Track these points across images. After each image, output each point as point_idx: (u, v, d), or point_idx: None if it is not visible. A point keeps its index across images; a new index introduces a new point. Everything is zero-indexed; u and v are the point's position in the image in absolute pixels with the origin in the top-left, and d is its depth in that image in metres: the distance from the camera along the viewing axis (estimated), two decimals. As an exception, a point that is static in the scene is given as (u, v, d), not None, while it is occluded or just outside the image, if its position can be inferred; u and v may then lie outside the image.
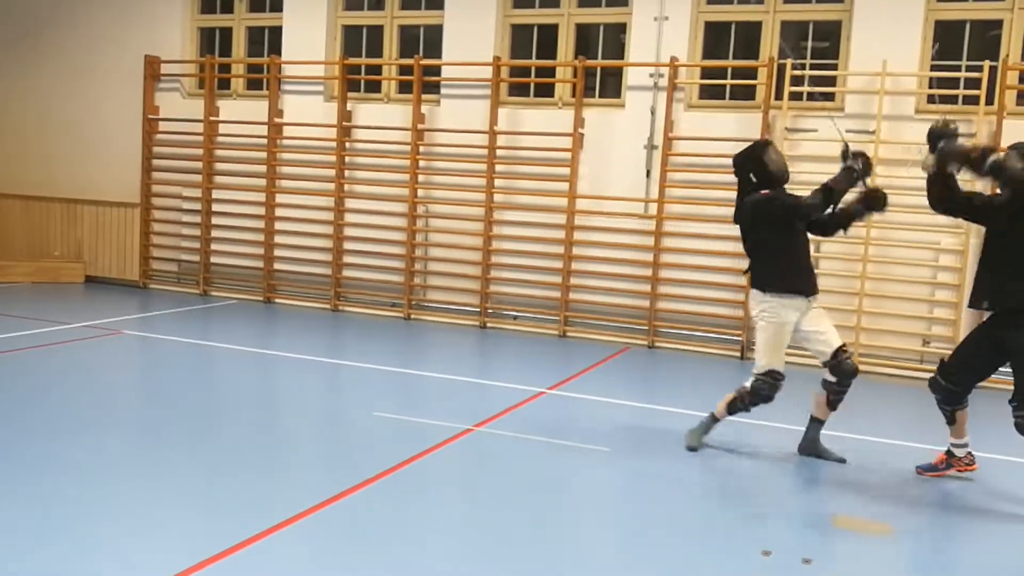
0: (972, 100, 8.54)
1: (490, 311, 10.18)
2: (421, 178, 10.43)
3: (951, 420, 5.46)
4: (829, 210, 5.57)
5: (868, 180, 5.67)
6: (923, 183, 8.46)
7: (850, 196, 5.74)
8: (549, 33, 10.11)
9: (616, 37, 10.00)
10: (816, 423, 5.87)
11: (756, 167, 5.64)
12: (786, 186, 5.80)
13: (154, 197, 11.81)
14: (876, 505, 5.06)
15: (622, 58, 9.83)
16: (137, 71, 11.62)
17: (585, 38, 10.08)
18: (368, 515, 4.41)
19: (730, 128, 9.22)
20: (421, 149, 10.38)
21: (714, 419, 5.85)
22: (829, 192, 5.40)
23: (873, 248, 8.77)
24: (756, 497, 5.19)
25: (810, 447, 5.88)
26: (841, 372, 5.60)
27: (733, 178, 8.95)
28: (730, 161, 8.99)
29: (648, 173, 9.54)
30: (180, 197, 11.61)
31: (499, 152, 10.06)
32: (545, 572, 3.89)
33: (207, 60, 11.30)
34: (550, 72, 10.17)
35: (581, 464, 5.51)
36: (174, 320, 9.85)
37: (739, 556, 4.15)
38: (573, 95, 9.77)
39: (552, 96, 10.14)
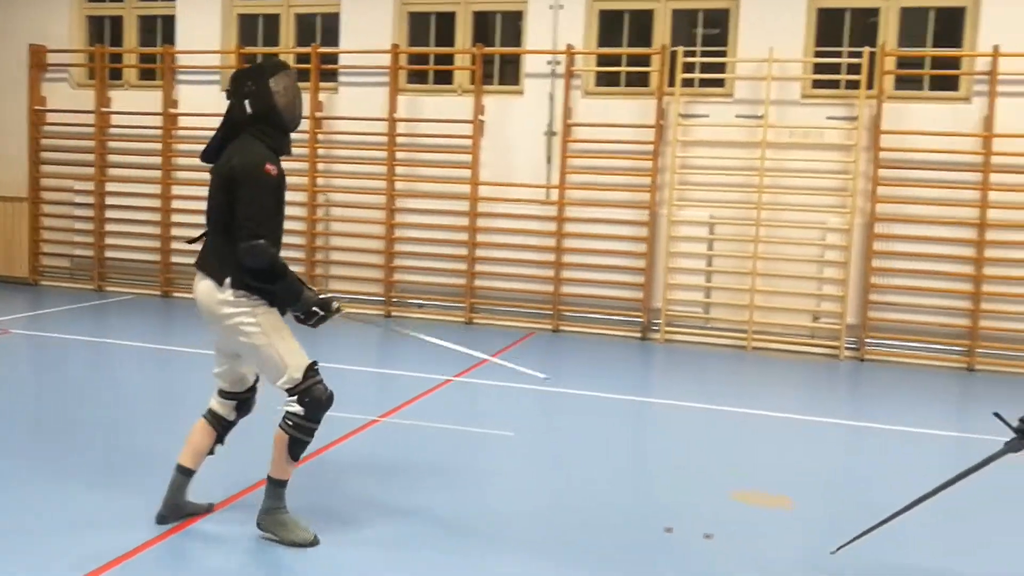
0: (854, 85, 8.90)
1: (395, 300, 10.16)
2: (320, 167, 10.32)
3: None
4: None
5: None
6: (808, 163, 8.93)
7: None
8: (447, 21, 10.11)
9: (514, 24, 10.08)
10: (189, 473, 4.12)
11: (257, 93, 3.87)
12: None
13: (44, 191, 11.39)
14: (774, 478, 5.21)
15: (520, 45, 9.91)
16: (22, 61, 11.17)
17: (483, 25, 10.13)
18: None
19: (626, 114, 9.41)
20: (320, 138, 10.28)
21: (280, 484, 4.01)
22: (274, 271, 3.80)
23: (764, 229, 9.07)
24: (657, 476, 5.33)
25: (176, 507, 4.12)
26: (245, 410, 4.22)
27: (632, 163, 9.41)
28: (629, 148, 9.31)
29: (548, 159, 9.66)
30: (71, 191, 11.22)
31: (399, 139, 10.04)
32: (459, 558, 3.92)
33: (97, 49, 10.94)
34: (448, 59, 10.19)
35: (487, 450, 5.57)
36: (67, 317, 9.53)
37: (643, 533, 4.24)
38: (472, 82, 9.80)
39: (451, 83, 10.16)
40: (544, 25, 9.63)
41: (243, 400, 4.17)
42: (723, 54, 9.36)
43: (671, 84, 9.21)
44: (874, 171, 8.80)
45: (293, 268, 10.97)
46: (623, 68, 9.72)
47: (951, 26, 8.95)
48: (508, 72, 10.11)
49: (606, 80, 9.83)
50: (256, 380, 4.20)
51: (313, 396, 3.89)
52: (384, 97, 9.98)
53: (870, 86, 8.77)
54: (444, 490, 4.74)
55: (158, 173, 10.80)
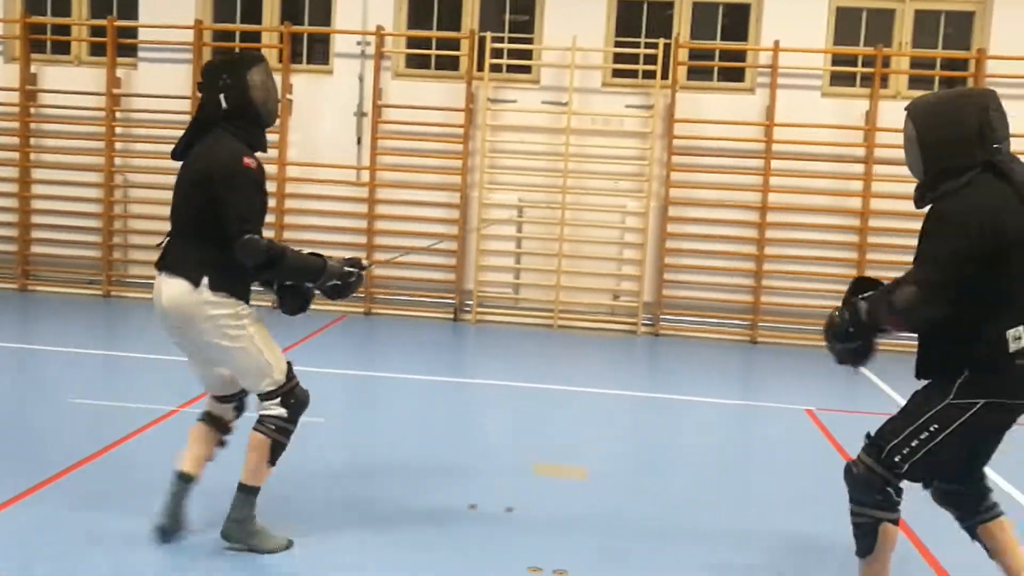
0: (650, 75, 9.37)
1: (201, 284, 9.85)
2: (119, 146, 9.84)
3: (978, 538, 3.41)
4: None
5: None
6: (609, 149, 9.34)
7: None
8: (253, -3, 9.86)
9: (323, 3, 9.93)
10: (192, 480, 3.89)
11: (234, 87, 3.71)
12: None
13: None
14: (573, 451, 5.46)
15: (329, 25, 9.79)
16: None
17: (291, 3, 9.91)
18: (60, 511, 4.17)
19: (436, 97, 9.51)
20: (117, 115, 9.79)
21: (253, 491, 3.81)
22: (273, 261, 3.67)
23: (569, 212, 9.42)
24: (465, 454, 5.42)
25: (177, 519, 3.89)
26: (243, 407, 4.06)
27: (443, 146, 9.53)
28: (439, 131, 9.41)
29: (359, 140, 9.63)
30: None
31: (204, 119, 9.71)
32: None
33: (21, 20, 9.82)
34: (256, 37, 9.93)
35: (297, 437, 5.49)
36: None
37: (447, 512, 4.35)
38: (280, 61, 9.61)
39: (259, 62, 9.90)
40: (354, 5, 9.56)
41: (241, 399, 4.00)
42: (530, 41, 9.62)
43: (480, 69, 9.38)
44: (668, 158, 9.33)
45: (87, 252, 10.39)
46: (433, 51, 9.80)
47: (738, 21, 9.58)
48: (317, 51, 9.97)
49: (416, 62, 9.89)
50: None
51: (297, 397, 3.79)
52: (188, 75, 9.61)
53: (665, 76, 9.27)
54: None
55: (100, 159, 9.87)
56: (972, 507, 3.29)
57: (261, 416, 3.76)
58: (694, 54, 9.66)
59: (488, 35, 9.33)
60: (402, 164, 9.62)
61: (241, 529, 3.78)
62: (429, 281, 9.69)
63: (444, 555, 3.89)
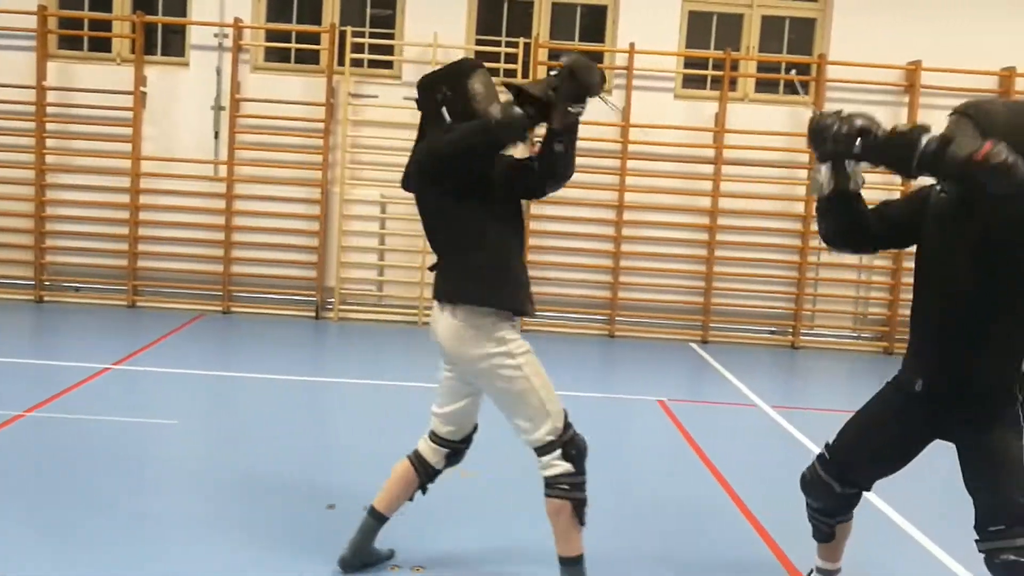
0: (511, 74, 9.50)
1: (47, 284, 9.46)
2: (-36, 137, 9.34)
3: (829, 537, 3.48)
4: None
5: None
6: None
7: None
8: (104, -16, 9.49)
9: (177, -7, 9.67)
10: (380, 520, 3.80)
11: (455, 99, 3.45)
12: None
13: None
14: None
15: (184, 16, 9.52)
16: None
17: (144, -8, 9.61)
18: None
19: (296, 91, 9.39)
20: (-44, 105, 9.29)
21: (572, 561, 3.46)
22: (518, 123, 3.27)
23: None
24: (324, 454, 5.42)
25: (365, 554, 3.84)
26: (455, 460, 3.75)
27: (303, 141, 9.42)
28: (297, 124, 9.29)
29: (216, 134, 9.41)
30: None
31: (50, 110, 9.30)
32: (122, 548, 3.86)
33: None
34: (106, 26, 9.56)
35: (148, 440, 5.42)
36: None
37: (307, 512, 4.36)
38: (133, 51, 9.29)
39: (110, 52, 9.55)
40: (211, -5, 9.34)
41: (456, 450, 3.68)
42: (392, 36, 9.60)
43: (340, 63, 9.31)
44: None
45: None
46: (292, 45, 9.67)
47: (596, 22, 9.82)
48: (173, 43, 9.67)
49: (276, 56, 9.73)
50: (474, 429, 3.69)
51: (578, 446, 3.38)
52: (31, 63, 9.17)
53: (526, 75, 9.42)
54: (102, 483, 4.61)
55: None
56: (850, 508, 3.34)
57: (547, 479, 3.36)
58: (553, 54, 9.84)
59: (349, 29, 9.27)
60: (261, 159, 9.47)
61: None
62: (290, 278, 9.58)
63: (302, 555, 3.91)
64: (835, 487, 3.25)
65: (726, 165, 9.55)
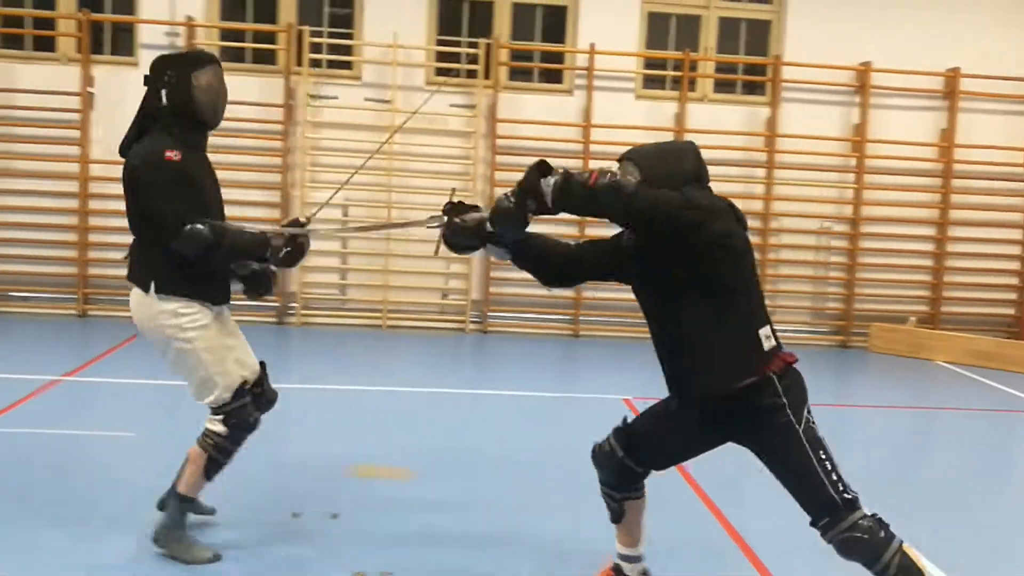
0: (473, 75, 9.43)
1: (-7, 293, 9.05)
2: None
3: (619, 516, 3.55)
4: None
5: None
6: (434, 148, 9.33)
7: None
8: (45, -19, 9.11)
9: (127, -10, 9.33)
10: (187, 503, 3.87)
11: (177, 85, 3.70)
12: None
13: None
14: (399, 451, 5.39)
15: (133, 13, 9.20)
16: None
17: (92, -10, 9.25)
18: None
19: (253, 92, 9.14)
20: None
21: (187, 501, 3.85)
22: (212, 252, 3.63)
23: (395, 211, 9.33)
24: (285, 461, 5.22)
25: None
26: (266, 403, 4.00)
27: (261, 143, 9.17)
28: (257, 127, 9.05)
29: (170, 137, 9.10)
30: None
31: (-10, 112, 8.90)
32: (81, 559, 3.73)
33: None
34: (50, 24, 9.18)
35: (103, 453, 5.20)
36: None
37: (271, 521, 4.23)
38: (79, 51, 8.93)
39: (54, 51, 9.17)
40: (161, -8, 9.03)
41: (255, 396, 3.89)
42: (350, 36, 9.44)
43: (299, 64, 9.11)
44: (492, 157, 9.44)
45: None
46: (248, 44, 9.43)
47: (556, 23, 9.81)
48: (121, 41, 9.34)
49: (231, 56, 9.45)
50: (263, 371, 3.95)
51: (240, 419, 3.73)
52: (-33, 63, 8.77)
53: (487, 76, 9.36)
54: (57, 496, 4.42)
55: None
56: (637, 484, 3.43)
57: (205, 429, 3.75)
58: (515, 55, 9.81)
59: (307, 29, 9.08)
60: (218, 162, 9.06)
61: (168, 535, 3.76)
62: (250, 283, 9.32)
63: (269, 565, 3.81)
64: (618, 452, 3.37)
65: (686, 165, 9.62)
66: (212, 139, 9.92)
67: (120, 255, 9.60)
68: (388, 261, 9.35)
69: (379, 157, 9.24)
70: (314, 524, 4.22)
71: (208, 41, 9.24)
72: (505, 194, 3.09)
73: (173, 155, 3.62)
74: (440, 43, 9.52)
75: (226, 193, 9.36)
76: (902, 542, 3.07)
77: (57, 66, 9.07)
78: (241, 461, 5.00)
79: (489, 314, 9.51)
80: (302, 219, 3.91)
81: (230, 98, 9.83)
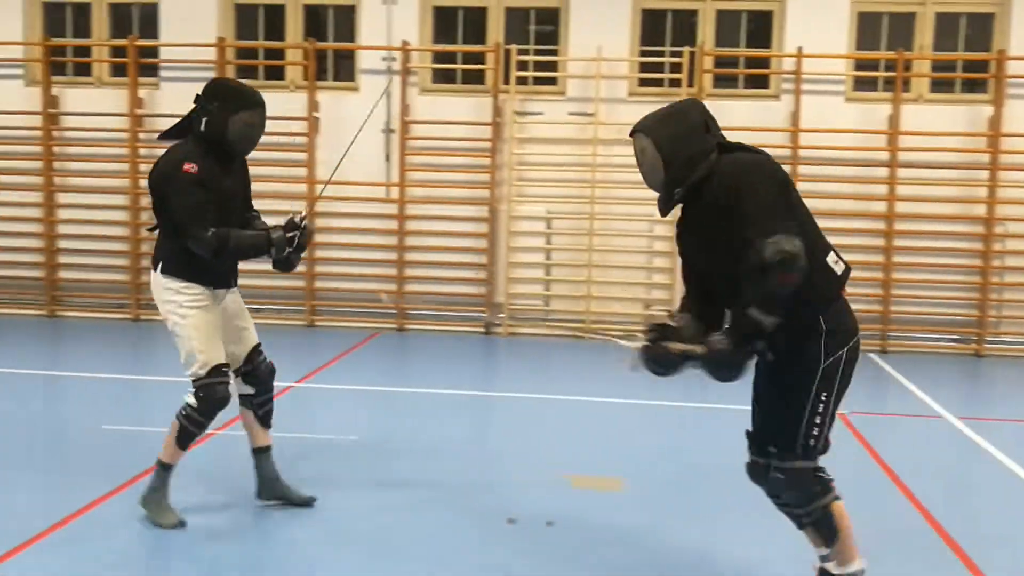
0: (676, 83, 9.40)
1: (233, 305, 9.82)
2: (143, 168, 9.77)
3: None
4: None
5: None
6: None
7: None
8: (276, 14, 9.82)
9: (347, 19, 9.92)
10: (263, 453, 4.51)
11: (216, 119, 4.12)
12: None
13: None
14: (609, 462, 5.44)
15: (353, 41, 9.79)
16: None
17: (315, 19, 9.89)
18: (108, 534, 4.21)
19: (463, 112, 9.52)
20: (141, 136, 9.73)
21: (165, 467, 4.28)
22: (221, 254, 4.09)
23: (598, 222, 9.44)
24: (500, 468, 5.40)
25: (272, 488, 4.52)
26: (256, 380, 4.42)
27: (471, 160, 9.51)
28: (467, 145, 9.40)
29: (387, 157, 9.62)
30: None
31: (230, 138, 9.67)
32: (308, 561, 3.99)
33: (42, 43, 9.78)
34: (279, 54, 9.91)
35: (330, 456, 5.51)
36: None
37: (486, 527, 4.36)
38: (305, 78, 9.60)
39: (283, 79, 9.90)
40: (378, 20, 9.54)
41: (245, 373, 4.40)
42: (555, 52, 9.64)
43: (506, 82, 9.39)
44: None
45: (116, 276, 10.26)
46: (459, 66, 9.81)
47: (761, 28, 9.63)
48: (343, 68, 9.95)
49: (442, 77, 9.89)
50: (253, 352, 4.42)
51: (208, 395, 4.14)
52: (211, 93, 9.57)
53: (691, 84, 9.31)
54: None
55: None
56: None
57: (183, 402, 4.21)
58: (719, 61, 9.70)
59: (513, 47, 9.34)
60: (430, 180, 9.62)
61: (150, 500, 4.25)
62: (460, 295, 9.71)
63: (481, 570, 3.92)
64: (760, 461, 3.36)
65: (901, 168, 9.20)
66: (427, 158, 10.40)
67: (336, 270, 10.19)
68: (591, 272, 9.47)
69: (582, 169, 9.45)
70: (529, 531, 4.31)
71: (421, 64, 9.69)
72: (723, 337, 3.06)
73: (190, 167, 4.04)
74: (643, 53, 9.55)
75: (438, 209, 9.91)
76: (836, 501, 3.26)
77: (286, 93, 9.78)
78: (453, 465, 5.32)
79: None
80: (296, 218, 4.38)
81: (442, 118, 10.33)
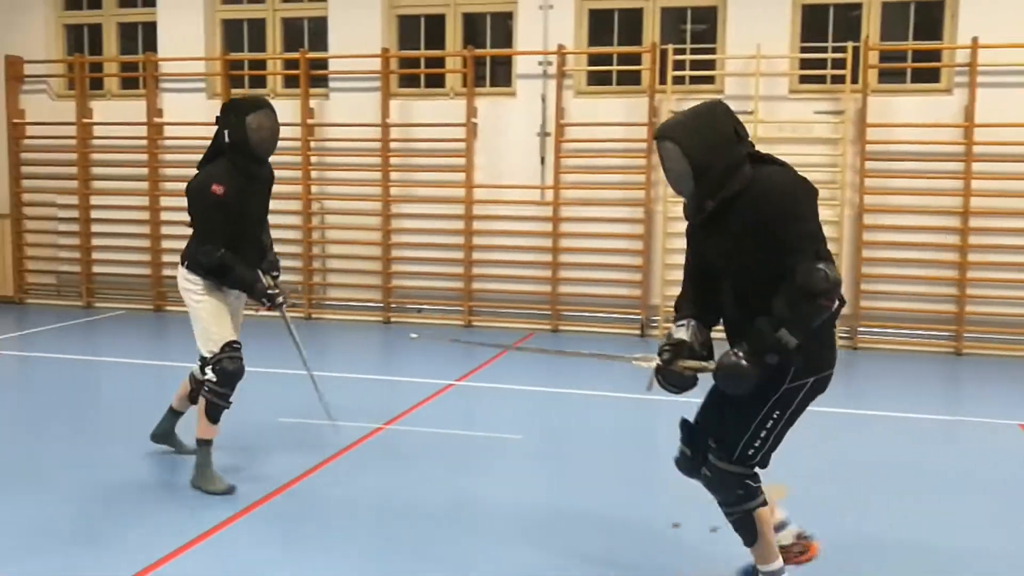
0: (839, 79, 9.10)
1: (394, 306, 10.19)
2: (314, 174, 10.31)
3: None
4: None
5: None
6: (798, 156, 9.04)
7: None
8: (436, 23, 10.13)
9: (504, 25, 10.13)
10: (177, 413, 5.30)
11: (235, 126, 4.58)
12: None
13: (26, 207, 11.22)
14: (773, 467, 5.32)
15: (510, 47, 9.97)
16: (-2, 73, 11.00)
17: (473, 27, 10.15)
18: (285, 520, 4.47)
19: (618, 113, 9.53)
20: (312, 145, 10.25)
21: (205, 443, 4.83)
22: (220, 270, 4.69)
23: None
24: (662, 471, 5.33)
25: (165, 437, 5.34)
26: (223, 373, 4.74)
27: (626, 162, 9.50)
28: (622, 146, 9.41)
29: (543, 160, 9.75)
30: (55, 205, 11.07)
31: (393, 145, 10.05)
32: (469, 559, 4.06)
33: (76, 59, 10.77)
34: (439, 63, 10.22)
35: (494, 454, 5.64)
36: (55, 336, 9.43)
37: (651, 530, 4.37)
38: (464, 85, 9.85)
39: (443, 87, 10.20)
40: (534, 25, 9.69)
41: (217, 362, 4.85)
42: (712, 51, 9.51)
43: (662, 82, 9.33)
44: (861, 164, 9.04)
45: (289, 277, 10.88)
46: (614, 67, 9.83)
47: (931, 19, 9.19)
48: (500, 74, 10.16)
49: (597, 79, 9.93)
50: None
51: (223, 368, 4.67)
52: (376, 102, 9.98)
53: (855, 80, 8.98)
54: (452, 495, 4.86)
55: (145, 184, 10.70)
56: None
57: (205, 381, 4.75)
58: (884, 56, 9.32)
59: (670, 47, 9.27)
60: (585, 182, 9.69)
61: (198, 476, 4.76)
62: (615, 297, 9.71)
63: (645, 573, 3.95)
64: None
65: (1091, 163, 8.58)
66: (582, 160, 10.48)
67: (492, 272, 10.38)
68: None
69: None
70: (695, 536, 4.30)
71: (577, 67, 9.77)
72: (735, 352, 3.14)
73: (218, 189, 4.56)
74: (804, 49, 9.29)
75: (593, 211, 9.93)
76: (763, 506, 3.40)
77: (446, 100, 10.07)
78: (615, 466, 5.34)
79: (859, 329, 9.10)
80: (281, 299, 4.93)
81: (600, 120, 10.32)
